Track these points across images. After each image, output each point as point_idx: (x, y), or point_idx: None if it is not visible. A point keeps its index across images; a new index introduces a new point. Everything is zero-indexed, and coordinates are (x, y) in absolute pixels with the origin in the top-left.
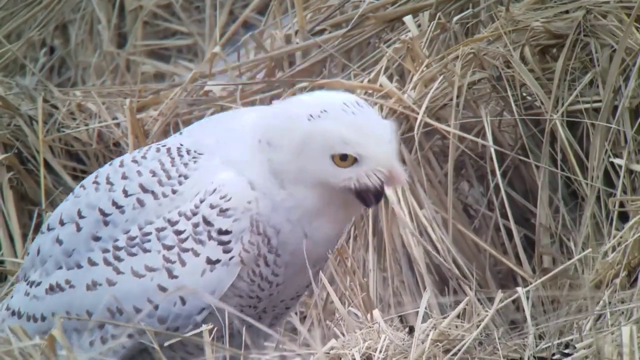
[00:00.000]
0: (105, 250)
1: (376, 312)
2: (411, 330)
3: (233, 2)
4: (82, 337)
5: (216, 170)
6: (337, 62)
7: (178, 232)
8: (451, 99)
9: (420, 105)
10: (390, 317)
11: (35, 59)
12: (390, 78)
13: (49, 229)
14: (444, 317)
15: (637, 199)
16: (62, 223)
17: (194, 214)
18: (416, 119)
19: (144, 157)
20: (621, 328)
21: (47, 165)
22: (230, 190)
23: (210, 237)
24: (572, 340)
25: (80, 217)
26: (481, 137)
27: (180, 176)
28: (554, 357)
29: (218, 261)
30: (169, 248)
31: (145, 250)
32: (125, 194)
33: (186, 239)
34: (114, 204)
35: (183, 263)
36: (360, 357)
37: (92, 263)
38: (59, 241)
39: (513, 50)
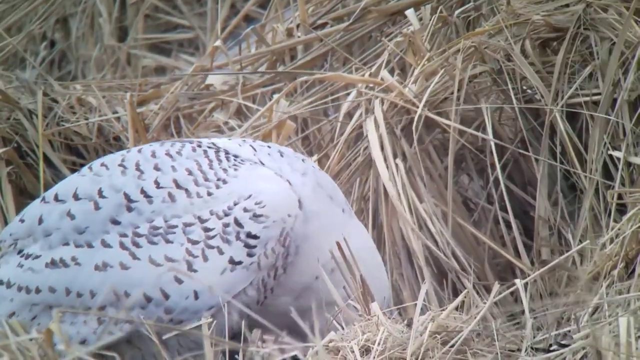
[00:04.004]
0: (123, 235)
1: (375, 305)
2: (410, 322)
3: None
4: (77, 316)
5: (257, 180)
6: (339, 56)
7: (207, 229)
8: (452, 93)
9: (421, 99)
10: (389, 309)
11: (36, 53)
12: (391, 72)
13: (56, 200)
14: (442, 310)
15: (635, 191)
16: (76, 198)
17: (226, 215)
18: (417, 112)
19: (178, 154)
20: (618, 319)
21: (47, 159)
22: (265, 198)
23: (238, 238)
24: (569, 331)
25: (101, 196)
26: (481, 131)
27: (218, 180)
28: (552, 348)
29: (240, 263)
30: (194, 242)
31: (168, 241)
32: (157, 185)
33: (214, 236)
34: (143, 192)
35: (205, 259)
36: (359, 349)
37: (106, 245)
38: (71, 216)
39: (514, 43)
